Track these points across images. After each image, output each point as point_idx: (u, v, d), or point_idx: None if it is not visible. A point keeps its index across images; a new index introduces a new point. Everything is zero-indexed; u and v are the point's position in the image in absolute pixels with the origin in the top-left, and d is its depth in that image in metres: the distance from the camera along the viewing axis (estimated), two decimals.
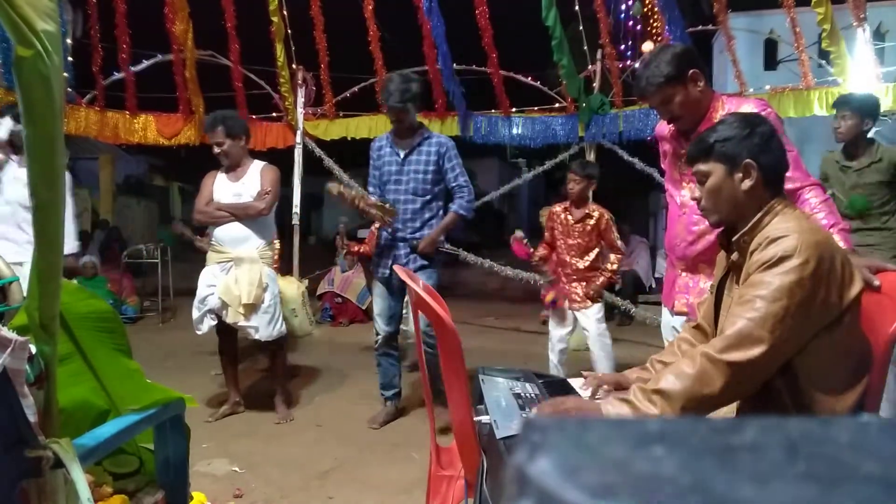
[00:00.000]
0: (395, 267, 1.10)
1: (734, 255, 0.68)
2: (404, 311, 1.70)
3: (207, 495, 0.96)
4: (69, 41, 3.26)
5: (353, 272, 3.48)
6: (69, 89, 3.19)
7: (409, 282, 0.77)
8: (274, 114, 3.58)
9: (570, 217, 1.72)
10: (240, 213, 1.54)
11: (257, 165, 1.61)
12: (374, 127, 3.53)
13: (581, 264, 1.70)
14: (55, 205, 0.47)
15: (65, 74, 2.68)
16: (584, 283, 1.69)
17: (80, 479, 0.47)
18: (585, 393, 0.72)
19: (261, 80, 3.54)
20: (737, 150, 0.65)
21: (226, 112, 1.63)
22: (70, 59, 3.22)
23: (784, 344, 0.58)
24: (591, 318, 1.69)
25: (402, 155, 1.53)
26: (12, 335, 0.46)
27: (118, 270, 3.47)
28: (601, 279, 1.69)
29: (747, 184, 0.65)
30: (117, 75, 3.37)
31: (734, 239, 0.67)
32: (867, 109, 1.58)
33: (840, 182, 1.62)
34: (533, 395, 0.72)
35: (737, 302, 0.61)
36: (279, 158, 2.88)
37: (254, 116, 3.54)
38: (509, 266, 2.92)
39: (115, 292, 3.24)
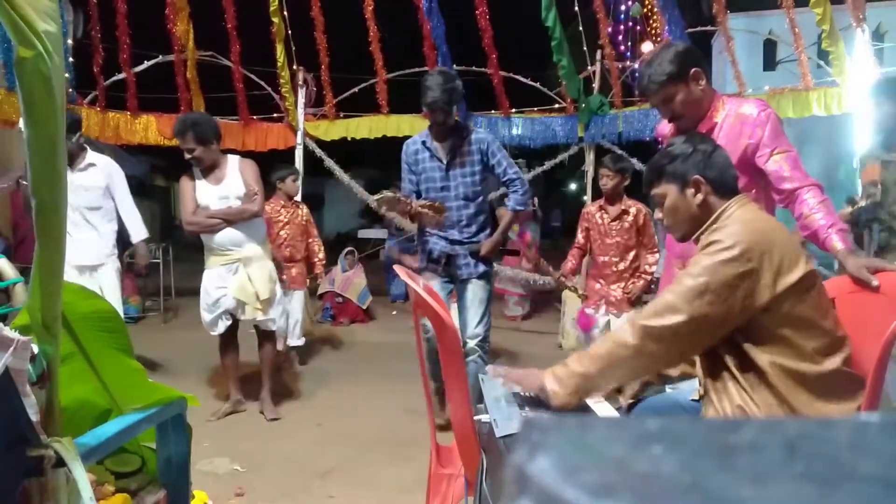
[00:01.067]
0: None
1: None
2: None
3: (209, 494, 0.96)
4: (70, 42, 3.28)
5: (354, 272, 3.48)
6: (70, 90, 3.19)
7: (408, 281, 0.77)
8: (275, 114, 3.59)
9: (605, 215, 1.64)
10: (235, 219, 1.54)
11: (233, 162, 1.58)
12: (374, 127, 3.53)
13: (622, 265, 1.61)
14: (56, 205, 0.47)
15: (66, 75, 2.68)
16: (623, 285, 1.61)
17: (82, 477, 0.47)
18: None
19: (261, 80, 3.54)
20: (684, 168, 0.71)
21: (194, 116, 1.59)
22: (71, 59, 3.24)
23: (703, 316, 0.63)
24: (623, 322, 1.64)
25: (444, 161, 1.45)
26: (14, 335, 0.46)
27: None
28: (641, 282, 1.61)
29: (699, 198, 0.71)
30: (118, 76, 3.38)
31: (693, 238, 0.73)
32: None
33: (883, 179, 1.38)
34: (532, 394, 0.72)
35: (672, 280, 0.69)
36: (280, 159, 2.88)
37: (254, 117, 3.54)
38: (509, 266, 2.91)
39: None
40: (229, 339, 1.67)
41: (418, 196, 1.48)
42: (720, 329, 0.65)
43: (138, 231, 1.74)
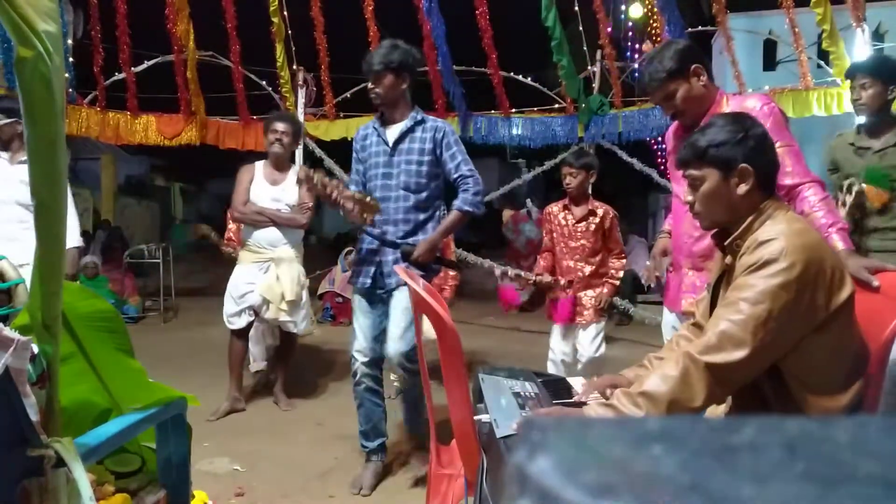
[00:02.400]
0: (396, 267, 1.03)
1: (727, 259, 0.68)
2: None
3: (209, 494, 0.96)
4: (70, 42, 3.27)
5: None
6: (70, 90, 3.19)
7: (409, 281, 0.76)
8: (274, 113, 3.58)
9: (570, 216, 1.49)
10: (282, 223, 1.61)
11: (295, 171, 1.65)
12: None
13: (587, 269, 1.46)
14: (57, 205, 0.47)
15: (66, 75, 2.66)
16: (591, 291, 1.46)
17: (82, 478, 0.47)
18: (586, 397, 0.72)
19: (261, 80, 3.54)
20: (732, 154, 0.64)
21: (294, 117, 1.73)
22: (71, 59, 3.23)
23: (766, 347, 0.58)
24: (590, 336, 1.46)
25: (390, 142, 1.19)
26: (15, 335, 0.46)
27: (120, 270, 3.48)
28: (607, 288, 1.46)
29: (743, 188, 0.64)
30: (118, 76, 3.38)
31: (726, 243, 0.67)
32: (888, 73, 1.20)
33: (853, 167, 1.24)
34: (533, 394, 0.72)
35: (722, 304, 0.62)
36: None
37: (255, 117, 3.54)
38: (509, 266, 2.90)
39: (117, 292, 3.24)
40: (241, 337, 1.69)
41: (365, 188, 1.22)
42: (776, 358, 0.59)
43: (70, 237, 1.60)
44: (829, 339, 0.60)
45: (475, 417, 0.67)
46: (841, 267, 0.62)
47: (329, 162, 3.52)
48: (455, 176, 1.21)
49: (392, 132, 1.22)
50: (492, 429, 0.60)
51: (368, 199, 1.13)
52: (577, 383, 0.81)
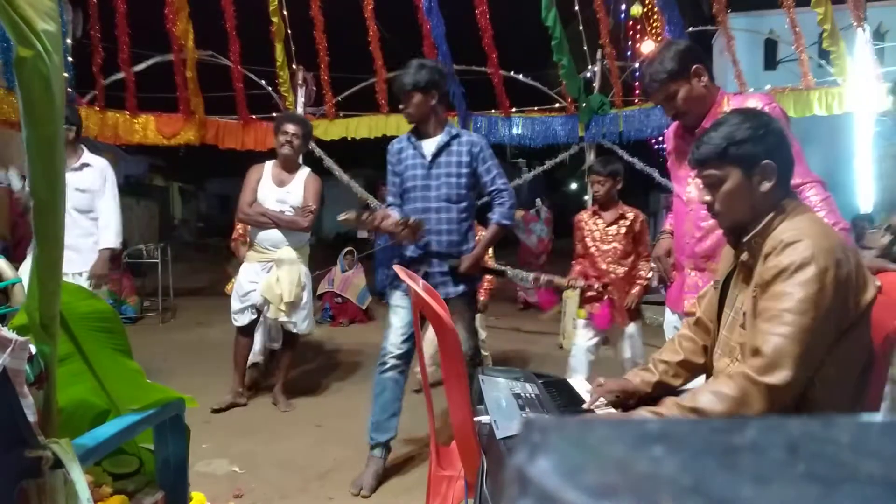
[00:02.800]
0: (396, 267, 1.01)
1: (744, 256, 0.66)
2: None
3: (207, 495, 0.96)
4: (69, 41, 3.25)
5: (353, 272, 3.48)
6: (69, 89, 3.19)
7: (409, 281, 0.76)
8: (274, 114, 3.59)
9: (600, 220, 1.56)
10: (283, 226, 1.63)
11: (303, 174, 1.68)
12: (374, 127, 3.53)
13: (620, 271, 1.52)
14: (55, 205, 0.47)
15: (65, 74, 2.64)
16: (624, 294, 1.51)
17: (80, 479, 0.47)
18: (593, 404, 0.72)
19: (261, 80, 3.54)
20: (754, 151, 0.62)
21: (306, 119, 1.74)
22: (70, 59, 3.22)
23: (815, 355, 0.57)
24: (631, 335, 1.52)
25: (428, 156, 1.26)
26: (12, 335, 0.46)
27: (118, 270, 3.47)
28: (637, 289, 1.52)
29: (766, 185, 0.62)
30: (117, 75, 3.37)
31: (745, 240, 0.65)
32: None
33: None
34: (533, 395, 0.72)
35: (764, 317, 0.59)
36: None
37: (254, 116, 3.54)
38: (510, 266, 2.90)
39: (115, 292, 3.23)
40: (247, 334, 1.73)
41: (402, 198, 1.29)
42: (819, 361, 0.57)
43: (107, 238, 1.55)
44: (851, 343, 0.59)
45: (475, 419, 0.67)
46: (863, 266, 0.61)
47: (329, 162, 3.52)
48: (491, 189, 1.28)
49: (428, 146, 1.28)
50: (492, 430, 0.60)
51: (411, 221, 1.20)
52: (578, 385, 0.81)
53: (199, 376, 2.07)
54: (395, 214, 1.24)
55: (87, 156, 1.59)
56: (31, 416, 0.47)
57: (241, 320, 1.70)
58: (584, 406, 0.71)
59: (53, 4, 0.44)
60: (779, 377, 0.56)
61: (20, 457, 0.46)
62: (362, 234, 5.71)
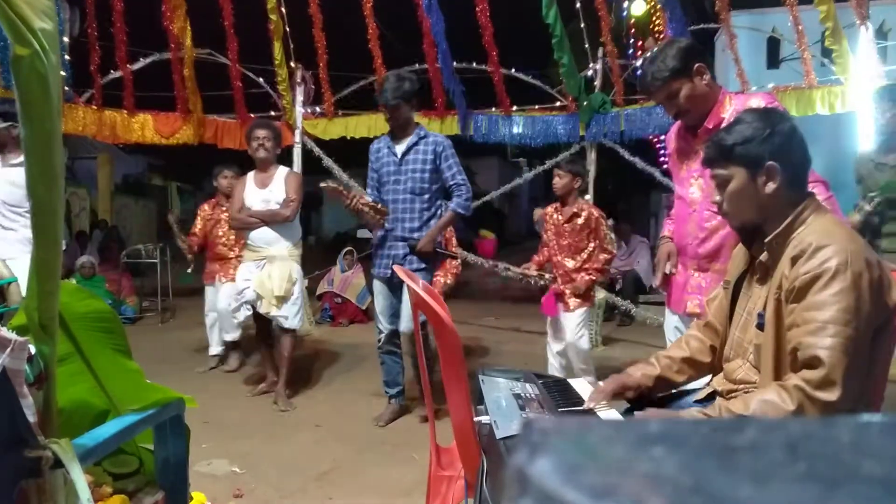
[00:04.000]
0: (395, 267, 1.10)
1: (763, 256, 0.65)
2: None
3: (207, 495, 0.96)
4: (66, 40, 3.24)
5: (353, 272, 3.47)
6: (67, 88, 3.17)
7: (409, 282, 0.77)
8: (272, 112, 3.57)
9: (559, 216, 1.67)
10: (268, 219, 1.75)
11: (282, 172, 1.82)
12: (373, 126, 3.52)
13: (570, 264, 1.64)
14: (54, 204, 0.47)
15: (62, 73, 2.66)
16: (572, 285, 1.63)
17: (80, 479, 0.47)
18: (595, 404, 0.71)
19: (259, 78, 3.52)
20: (758, 151, 0.61)
21: (269, 122, 1.92)
22: (67, 57, 3.20)
23: (862, 364, 0.57)
24: (571, 323, 1.62)
25: (399, 154, 1.54)
26: (11, 335, 0.46)
27: (117, 270, 3.47)
28: (586, 277, 1.62)
29: (771, 187, 0.62)
30: (115, 74, 3.35)
31: (767, 240, 0.64)
32: None
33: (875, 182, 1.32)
34: (533, 395, 0.72)
35: (806, 329, 0.58)
36: (278, 158, 2.88)
37: (252, 115, 3.52)
38: (509, 266, 2.90)
39: (114, 292, 3.23)
40: (263, 330, 1.87)
41: (379, 192, 1.56)
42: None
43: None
44: (885, 337, 0.59)
45: (475, 419, 0.67)
46: (885, 266, 0.60)
47: (328, 161, 3.51)
48: (451, 183, 1.54)
49: (400, 146, 1.55)
50: (492, 430, 0.60)
51: (380, 205, 1.48)
52: (579, 385, 0.80)
53: (198, 376, 2.08)
54: (368, 195, 1.54)
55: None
56: (31, 417, 0.47)
57: (239, 316, 1.84)
58: (584, 407, 0.71)
59: (50, 3, 0.43)
60: (834, 394, 0.56)
61: (20, 457, 0.46)
62: (362, 233, 5.71)
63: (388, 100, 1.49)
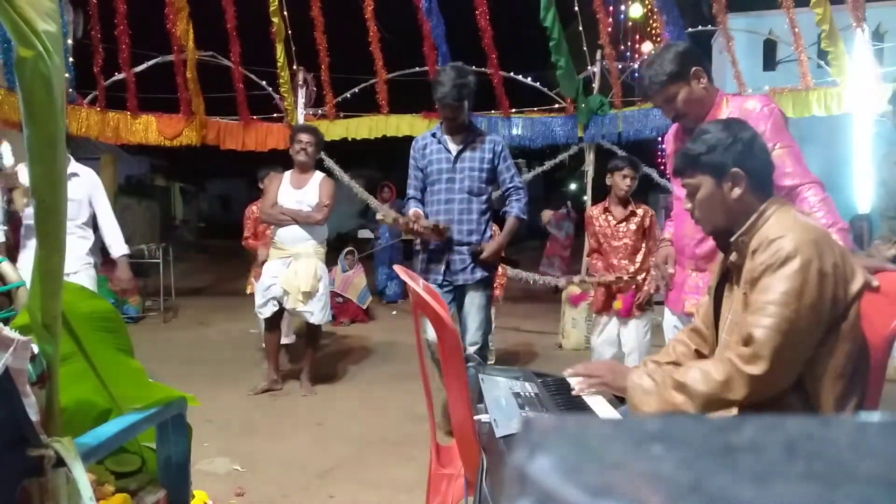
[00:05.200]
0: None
1: (732, 256, 0.68)
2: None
3: (209, 494, 0.96)
4: (70, 42, 3.26)
5: (354, 272, 3.48)
6: (70, 90, 3.18)
7: (408, 281, 0.76)
8: (274, 114, 3.59)
9: (611, 217, 1.61)
10: (301, 220, 1.81)
11: (318, 176, 1.88)
12: (374, 127, 3.53)
13: (631, 267, 1.57)
14: (57, 206, 0.47)
15: (66, 75, 2.66)
16: (634, 288, 1.55)
17: (82, 477, 0.47)
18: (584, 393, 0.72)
19: (261, 80, 3.53)
20: (722, 159, 0.65)
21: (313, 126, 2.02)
22: (71, 59, 3.23)
23: (800, 347, 0.59)
24: (635, 330, 1.56)
25: (454, 152, 1.40)
26: (14, 335, 0.46)
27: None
28: (646, 289, 1.55)
29: (736, 192, 0.65)
30: (118, 76, 3.37)
31: (732, 240, 0.67)
32: None
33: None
34: (533, 394, 0.72)
35: (750, 310, 0.61)
36: (280, 159, 2.90)
37: (254, 117, 3.53)
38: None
39: (117, 292, 3.24)
40: (274, 325, 1.90)
41: (423, 192, 1.44)
42: (811, 352, 0.59)
43: (119, 246, 1.70)
44: (844, 333, 0.60)
45: (475, 417, 0.67)
46: (849, 258, 0.62)
47: (329, 162, 3.52)
48: (509, 186, 1.44)
49: (455, 143, 1.43)
50: (491, 429, 0.60)
51: (441, 225, 1.36)
52: (577, 384, 0.81)
53: (200, 375, 2.08)
54: (422, 216, 1.40)
55: (74, 165, 1.63)
56: (34, 416, 0.48)
57: (265, 312, 1.85)
58: (574, 392, 0.72)
59: (54, 5, 0.44)
60: (760, 368, 0.58)
61: (23, 455, 0.47)
62: (363, 233, 5.71)
63: (451, 100, 1.32)
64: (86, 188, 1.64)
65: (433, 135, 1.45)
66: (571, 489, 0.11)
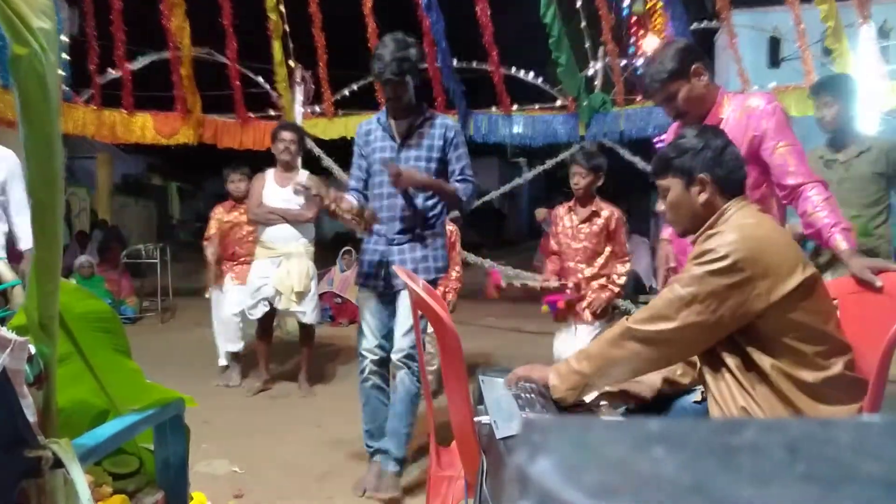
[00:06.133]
0: (395, 267, 1.02)
1: None
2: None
3: (207, 495, 0.96)
4: (65, 39, 3.24)
5: (352, 272, 3.47)
6: (66, 88, 3.15)
7: (408, 282, 0.76)
8: (272, 112, 3.57)
9: (574, 217, 1.48)
10: (290, 218, 1.78)
11: (304, 174, 1.83)
12: None
13: (587, 271, 1.45)
14: (53, 204, 0.47)
15: (61, 73, 2.64)
16: (590, 294, 1.44)
17: (80, 479, 0.47)
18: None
19: (258, 77, 3.52)
20: (691, 164, 0.69)
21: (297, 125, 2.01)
22: (66, 57, 3.19)
23: (691, 325, 0.63)
24: (584, 339, 1.42)
25: (398, 140, 1.17)
26: (11, 335, 0.46)
27: (117, 270, 3.46)
28: (606, 293, 1.44)
29: (703, 197, 0.69)
30: (114, 73, 3.34)
31: (692, 240, 0.72)
32: (847, 93, 1.36)
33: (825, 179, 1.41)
34: (533, 395, 0.72)
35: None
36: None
37: (251, 115, 3.52)
38: (509, 266, 2.91)
39: (114, 292, 3.23)
40: (266, 326, 1.90)
41: (365, 183, 1.21)
42: (710, 337, 0.65)
43: (28, 240, 1.38)
44: (782, 321, 0.63)
45: (475, 419, 0.67)
46: (792, 259, 0.64)
47: (328, 161, 3.50)
48: (458, 177, 1.20)
49: (400, 128, 1.19)
50: (492, 430, 0.60)
51: (366, 211, 1.12)
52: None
53: (198, 376, 2.07)
54: (350, 199, 1.15)
55: None
56: (31, 416, 0.47)
57: (256, 313, 1.83)
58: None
59: (49, 2, 0.43)
60: (644, 326, 0.65)
61: (20, 457, 0.46)
62: (362, 233, 5.70)
63: (390, 74, 1.07)
64: (4, 172, 1.36)
65: (378, 119, 1.20)
66: (572, 490, 0.11)
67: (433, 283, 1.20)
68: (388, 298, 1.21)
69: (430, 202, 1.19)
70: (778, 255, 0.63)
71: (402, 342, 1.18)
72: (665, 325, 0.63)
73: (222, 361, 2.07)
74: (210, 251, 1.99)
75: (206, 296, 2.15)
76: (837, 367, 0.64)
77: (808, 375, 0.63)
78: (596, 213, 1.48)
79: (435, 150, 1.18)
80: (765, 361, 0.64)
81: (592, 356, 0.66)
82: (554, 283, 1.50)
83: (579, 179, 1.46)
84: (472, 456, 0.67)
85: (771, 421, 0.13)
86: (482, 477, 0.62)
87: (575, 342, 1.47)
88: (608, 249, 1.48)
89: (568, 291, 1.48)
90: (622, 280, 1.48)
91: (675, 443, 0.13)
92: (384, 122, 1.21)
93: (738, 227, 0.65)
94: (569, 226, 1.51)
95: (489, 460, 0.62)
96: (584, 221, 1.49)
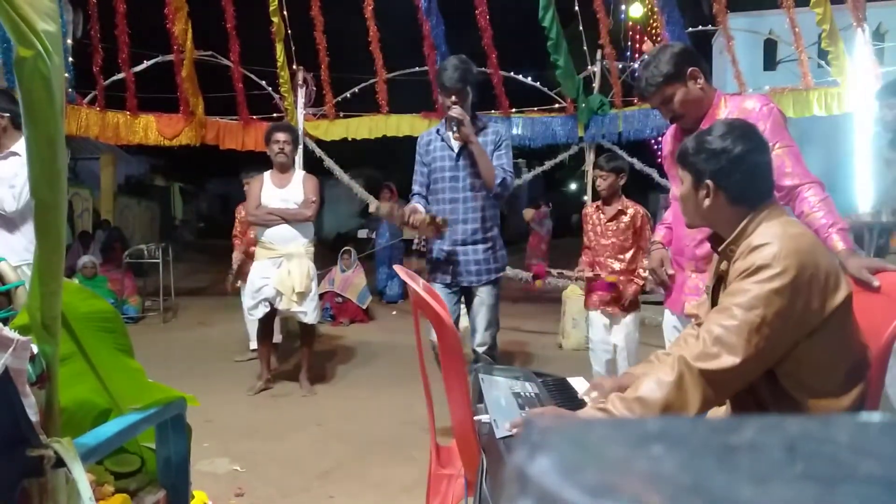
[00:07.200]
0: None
1: (723, 264, 0.68)
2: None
3: (209, 494, 0.96)
4: (69, 41, 3.25)
5: (353, 272, 3.49)
6: (70, 89, 3.18)
7: (408, 281, 0.76)
8: (274, 114, 3.58)
9: (602, 215, 1.61)
10: (289, 218, 1.79)
11: (300, 174, 1.88)
12: (374, 127, 3.53)
13: (616, 265, 1.57)
14: (57, 205, 0.47)
15: (65, 75, 2.66)
16: (613, 286, 1.56)
17: (82, 478, 0.47)
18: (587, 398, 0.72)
19: (261, 80, 3.54)
20: (702, 167, 0.66)
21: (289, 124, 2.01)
22: (70, 59, 3.22)
23: (760, 353, 0.58)
24: (623, 328, 1.56)
25: (456, 148, 1.33)
26: (14, 335, 0.46)
27: (119, 270, 3.48)
28: (632, 287, 1.55)
29: (707, 202, 0.66)
30: (118, 75, 3.37)
31: (720, 250, 0.67)
32: None
33: (888, 178, 1.36)
34: (532, 394, 0.72)
35: (715, 310, 0.62)
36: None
37: (254, 117, 3.53)
38: (509, 266, 2.90)
39: (116, 292, 3.24)
40: (267, 326, 1.91)
41: (428, 189, 1.39)
42: (774, 361, 0.58)
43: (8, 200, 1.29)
44: (826, 341, 0.60)
45: (475, 417, 0.67)
46: (836, 270, 0.61)
47: (329, 162, 3.52)
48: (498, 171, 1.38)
49: (457, 138, 1.35)
50: (492, 429, 0.60)
51: (438, 219, 1.30)
52: (577, 383, 0.81)
53: (200, 376, 2.08)
54: (421, 209, 1.34)
55: (18, 145, 1.32)
56: (33, 416, 0.48)
57: (257, 314, 1.85)
58: (580, 397, 0.72)
59: (53, 5, 0.44)
60: (712, 364, 0.57)
61: (22, 456, 0.47)
62: (362, 233, 5.73)
63: (452, 83, 1.25)
64: (18, 168, 1.31)
65: (437, 131, 1.39)
66: (571, 489, 0.11)
67: (495, 282, 1.36)
68: (455, 290, 1.38)
69: (488, 204, 1.36)
70: (826, 265, 0.59)
71: (483, 336, 1.35)
72: (735, 357, 0.56)
73: (253, 345, 2.18)
74: (237, 250, 2.18)
75: (237, 284, 2.34)
76: (860, 388, 0.61)
77: (833, 404, 0.59)
78: (622, 212, 1.60)
79: (490, 156, 1.35)
80: (798, 390, 0.59)
81: (651, 404, 0.56)
82: (588, 273, 1.62)
83: (601, 182, 1.61)
84: (471, 454, 0.67)
85: (770, 420, 0.13)
86: (482, 475, 0.62)
87: (614, 334, 1.60)
88: (635, 246, 1.59)
89: (603, 280, 1.58)
90: (646, 273, 1.59)
91: (673, 442, 0.13)
92: (443, 134, 1.37)
93: (786, 236, 0.59)
94: (597, 223, 1.64)
95: (489, 459, 0.61)
96: (611, 219, 1.61)
